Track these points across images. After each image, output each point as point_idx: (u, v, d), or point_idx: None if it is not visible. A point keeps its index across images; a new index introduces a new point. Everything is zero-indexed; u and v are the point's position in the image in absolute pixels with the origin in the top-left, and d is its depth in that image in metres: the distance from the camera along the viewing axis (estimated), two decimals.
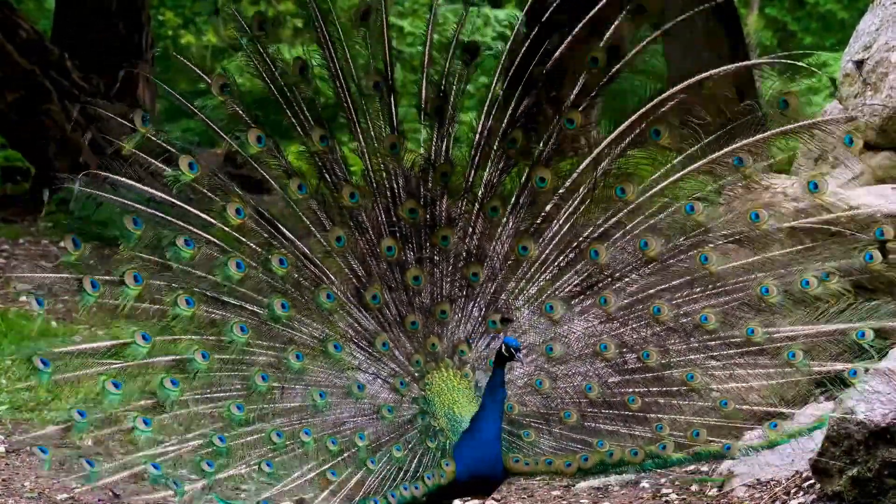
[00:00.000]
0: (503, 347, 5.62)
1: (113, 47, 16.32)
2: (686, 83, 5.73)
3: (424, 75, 5.88)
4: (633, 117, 5.78)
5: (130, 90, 16.29)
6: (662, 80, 5.90)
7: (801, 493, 6.69)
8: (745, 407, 5.83)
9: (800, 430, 5.91)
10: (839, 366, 5.79)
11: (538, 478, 7.00)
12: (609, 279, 5.87)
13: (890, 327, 5.82)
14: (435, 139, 5.87)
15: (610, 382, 5.85)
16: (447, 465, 5.67)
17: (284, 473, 5.68)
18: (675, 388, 5.83)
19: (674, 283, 5.86)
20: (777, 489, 6.86)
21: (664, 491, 7.36)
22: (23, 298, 11.74)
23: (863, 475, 6.21)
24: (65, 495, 7.30)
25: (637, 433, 5.83)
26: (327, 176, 5.86)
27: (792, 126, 5.75)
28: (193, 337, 5.73)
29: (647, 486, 7.47)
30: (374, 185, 5.87)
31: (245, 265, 5.73)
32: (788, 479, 6.87)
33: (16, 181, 17.22)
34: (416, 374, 5.86)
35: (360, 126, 5.86)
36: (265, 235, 5.80)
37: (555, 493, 7.40)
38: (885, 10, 8.59)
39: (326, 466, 5.70)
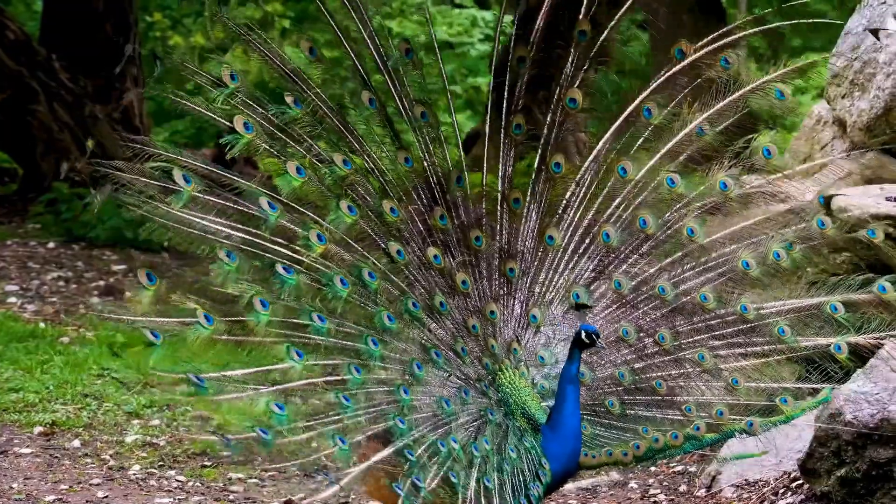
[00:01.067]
0: (582, 334, 5.62)
1: (101, 49, 16.29)
2: (688, 60, 5.83)
3: (390, 83, 5.88)
4: (647, 91, 5.89)
5: (119, 91, 16.27)
6: (646, 78, 5.96)
7: (790, 493, 6.70)
8: (753, 384, 5.90)
9: (810, 405, 5.95)
10: (822, 340, 5.85)
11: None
12: (617, 261, 5.95)
13: (856, 300, 5.86)
14: (427, 143, 5.90)
15: (636, 368, 5.93)
16: (545, 463, 5.70)
17: (458, 484, 5.61)
18: (690, 370, 5.92)
19: (668, 260, 5.95)
20: (765, 489, 6.87)
21: (652, 491, 7.37)
22: (10, 300, 11.72)
23: (851, 475, 6.22)
24: (52, 497, 7.29)
25: (670, 416, 5.90)
26: (364, 196, 5.88)
27: (756, 83, 5.86)
28: (335, 361, 5.71)
29: (635, 486, 7.47)
30: (399, 198, 5.90)
31: (349, 282, 5.74)
32: (776, 480, 6.88)
33: (3, 182, 17.19)
34: (490, 378, 5.88)
35: (366, 146, 5.87)
36: (347, 256, 5.80)
37: None
38: (873, 10, 8.60)
39: (476, 473, 5.63)
